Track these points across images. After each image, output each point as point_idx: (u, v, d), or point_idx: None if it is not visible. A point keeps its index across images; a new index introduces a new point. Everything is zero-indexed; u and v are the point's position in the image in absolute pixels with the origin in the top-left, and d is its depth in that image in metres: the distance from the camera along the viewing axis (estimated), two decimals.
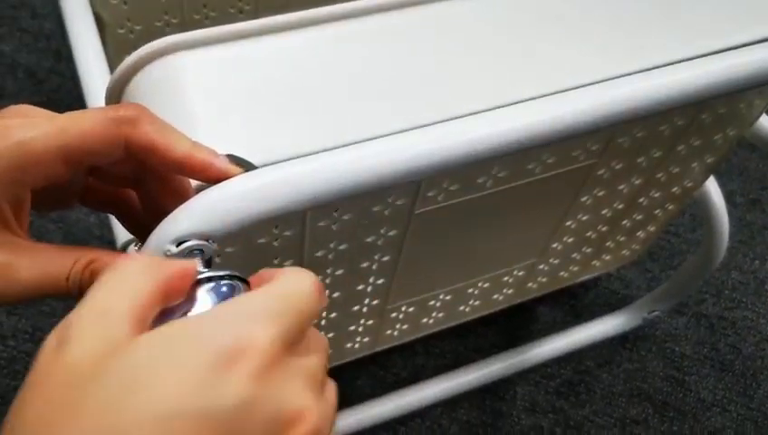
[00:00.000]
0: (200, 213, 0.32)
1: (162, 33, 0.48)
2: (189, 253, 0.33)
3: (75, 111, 0.31)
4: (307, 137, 0.40)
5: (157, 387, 0.23)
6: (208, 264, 0.35)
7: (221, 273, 0.31)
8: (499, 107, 0.43)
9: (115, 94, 0.44)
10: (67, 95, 1.07)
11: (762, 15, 0.51)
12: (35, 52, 1.11)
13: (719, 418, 0.91)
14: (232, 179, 0.33)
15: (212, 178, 0.33)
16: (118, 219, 0.38)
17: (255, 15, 0.84)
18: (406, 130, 0.38)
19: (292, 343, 0.27)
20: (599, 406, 0.90)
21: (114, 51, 0.76)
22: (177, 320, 0.26)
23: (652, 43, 0.50)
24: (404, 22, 0.48)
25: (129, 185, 0.36)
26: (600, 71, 0.47)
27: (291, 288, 0.28)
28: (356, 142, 0.38)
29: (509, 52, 0.47)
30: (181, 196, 0.34)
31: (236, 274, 0.32)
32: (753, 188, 1.12)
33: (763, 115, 0.69)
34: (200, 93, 0.42)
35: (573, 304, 0.97)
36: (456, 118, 0.41)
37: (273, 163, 0.36)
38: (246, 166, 0.34)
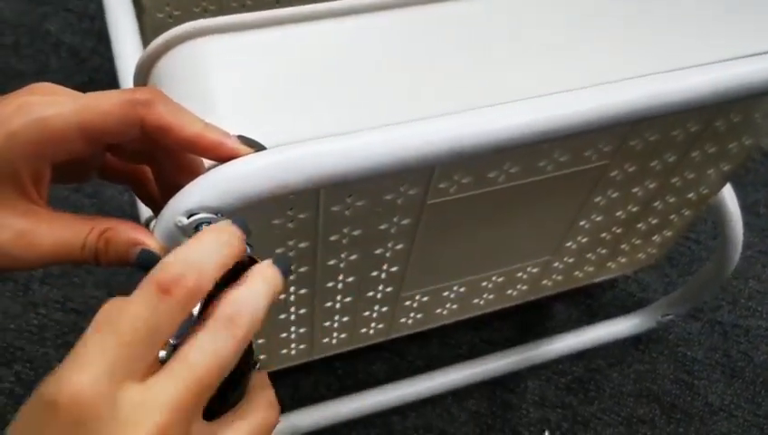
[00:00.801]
0: (210, 188, 0.35)
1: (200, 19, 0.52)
2: (199, 225, 0.35)
3: (95, 92, 0.33)
4: (324, 123, 0.43)
5: None
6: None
7: None
8: (513, 101, 0.45)
9: (142, 74, 0.47)
10: (107, 75, 1.11)
11: None
12: (79, 32, 1.16)
13: (725, 423, 0.92)
14: (241, 158, 0.35)
15: (223, 156, 0.36)
16: (135, 193, 0.41)
17: (291, 3, 0.87)
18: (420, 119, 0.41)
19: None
20: (607, 404, 0.91)
21: (152, 35, 0.79)
22: None
23: (665, 45, 0.51)
24: (426, 16, 0.50)
25: (145, 161, 0.39)
26: (616, 70, 0.49)
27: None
28: (368, 128, 0.40)
29: (528, 48, 0.49)
30: (193, 173, 0.37)
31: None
32: None
33: None
34: (223, 77, 0.45)
35: (590, 303, 0.99)
36: (470, 109, 0.44)
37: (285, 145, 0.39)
38: (256, 146, 0.37)
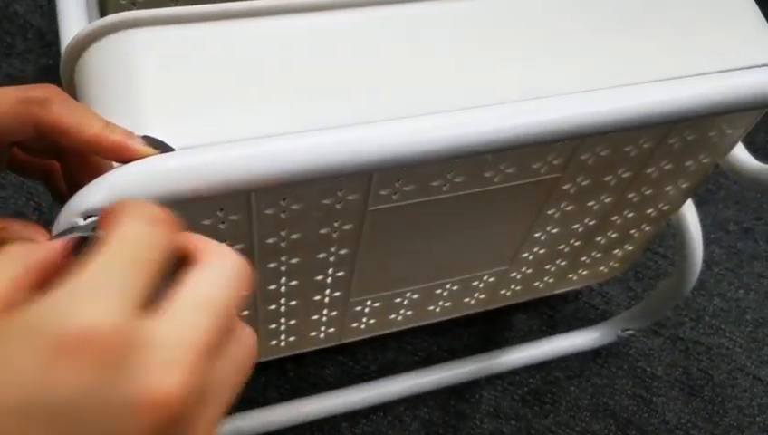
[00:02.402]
0: (107, 190, 0.33)
1: (165, 6, 0.50)
2: (96, 227, 0.34)
3: None
4: (251, 125, 0.42)
5: None
6: None
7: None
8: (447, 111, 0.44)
9: (70, 64, 0.45)
10: None
11: (732, 45, 0.51)
12: (48, 14, 1.14)
13: None
14: (142, 160, 0.34)
15: (125, 158, 0.34)
16: (47, 187, 0.40)
17: None
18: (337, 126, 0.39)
19: (150, 301, 0.24)
20: (562, 418, 0.90)
21: None
22: (19, 310, 0.23)
23: (625, 58, 0.50)
24: (368, 17, 0.48)
25: (53, 157, 0.37)
26: (567, 83, 0.48)
27: (131, 237, 0.25)
28: (288, 133, 0.39)
29: (480, 55, 0.48)
30: (99, 172, 0.35)
31: None
32: (748, 218, 1.11)
33: (739, 145, 0.68)
34: (152, 71, 0.43)
35: (551, 314, 0.98)
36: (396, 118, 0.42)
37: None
38: (162, 148, 0.35)
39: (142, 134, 0.36)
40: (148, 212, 0.26)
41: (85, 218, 0.34)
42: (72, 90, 0.47)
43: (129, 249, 0.25)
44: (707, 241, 1.07)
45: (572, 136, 0.44)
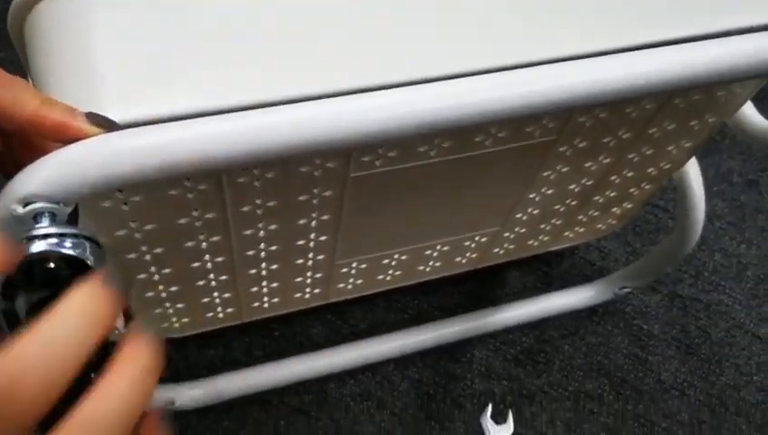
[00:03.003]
0: (46, 174, 0.30)
1: None
2: (37, 215, 0.31)
3: None
4: (206, 94, 0.38)
5: None
6: (74, 219, 0.33)
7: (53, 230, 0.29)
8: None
9: (17, 23, 0.41)
10: None
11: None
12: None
13: (676, 401, 0.89)
14: (83, 141, 0.30)
15: (66, 138, 0.31)
16: None
17: None
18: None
19: None
20: (555, 378, 0.88)
21: None
22: None
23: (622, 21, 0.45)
24: None
25: None
26: (566, 47, 0.43)
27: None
28: (249, 107, 0.35)
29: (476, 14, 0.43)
30: (41, 152, 0.32)
31: (77, 232, 0.30)
32: (753, 169, 1.07)
33: (748, 103, 0.64)
34: (105, 32, 0.39)
35: (546, 271, 0.95)
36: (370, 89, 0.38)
37: (149, 122, 0.34)
38: (108, 126, 0.32)
39: (86, 111, 0.32)
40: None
41: (24, 206, 0.31)
42: (22, 46, 0.43)
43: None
44: (709, 194, 1.03)
45: (576, 106, 0.40)
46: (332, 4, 0.42)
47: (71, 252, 0.29)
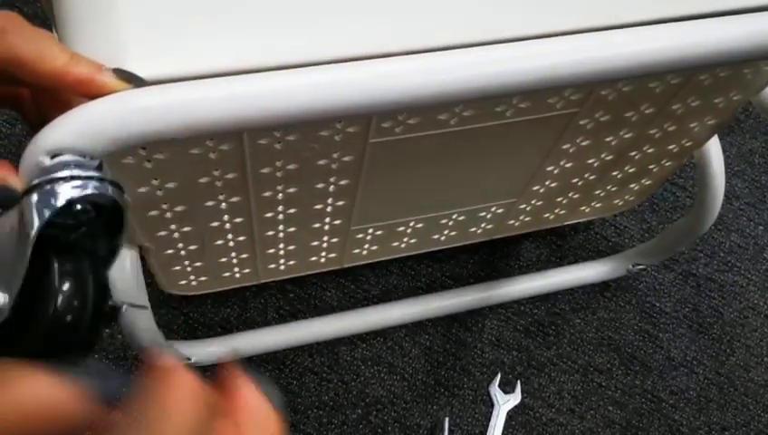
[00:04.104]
0: (73, 128, 0.30)
1: None
2: (64, 166, 0.31)
3: None
4: (232, 55, 0.38)
5: None
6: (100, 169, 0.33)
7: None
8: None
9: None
10: None
11: None
12: None
13: (684, 378, 0.89)
14: (111, 96, 0.31)
15: (92, 93, 0.31)
16: (19, 116, 0.37)
17: None
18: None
19: None
20: (564, 350, 0.89)
21: None
22: None
23: None
24: None
25: (22, 85, 0.34)
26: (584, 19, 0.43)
27: None
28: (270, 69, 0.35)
29: None
30: (67, 107, 0.32)
31: (102, 176, 0.30)
32: None
33: None
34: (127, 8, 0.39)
35: (560, 244, 0.95)
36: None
37: (174, 80, 0.34)
38: (135, 81, 0.32)
39: (113, 67, 0.33)
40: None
41: (51, 157, 0.31)
42: (49, 4, 0.43)
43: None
44: (730, 174, 1.03)
45: (597, 79, 0.40)
46: None
47: (95, 191, 0.30)
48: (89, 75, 0.31)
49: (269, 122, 0.32)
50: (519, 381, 0.86)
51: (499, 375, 0.85)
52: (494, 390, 0.85)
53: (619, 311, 0.92)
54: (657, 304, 0.93)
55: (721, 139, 0.99)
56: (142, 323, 0.64)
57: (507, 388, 0.85)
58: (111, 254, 0.31)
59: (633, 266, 0.90)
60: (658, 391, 0.88)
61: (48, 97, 0.33)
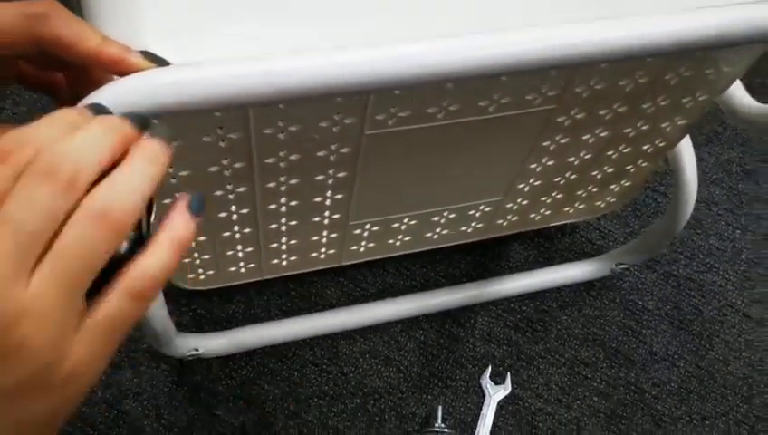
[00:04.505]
0: (105, 101, 0.35)
1: None
2: None
3: None
4: (239, 44, 0.44)
5: None
6: None
7: None
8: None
9: None
10: None
11: None
12: None
13: (666, 371, 0.94)
14: (137, 73, 0.36)
15: (123, 71, 0.36)
16: (53, 100, 0.42)
17: None
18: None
19: None
20: (552, 345, 0.93)
21: None
22: None
23: None
24: None
25: (58, 70, 0.39)
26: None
27: None
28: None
29: None
30: (97, 85, 0.37)
31: None
32: (752, 160, 1.12)
33: (737, 84, 0.69)
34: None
35: (548, 246, 1.00)
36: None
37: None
38: (160, 62, 0.37)
39: (140, 50, 0.38)
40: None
41: None
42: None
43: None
44: (708, 181, 1.08)
45: (571, 64, 0.45)
46: None
47: None
48: (120, 54, 0.36)
49: (273, 97, 0.37)
50: (509, 374, 0.90)
51: (490, 368, 0.90)
52: (486, 381, 0.89)
53: (603, 308, 0.97)
54: (640, 302, 0.98)
55: (700, 149, 1.06)
56: (155, 311, 0.69)
57: (498, 379, 0.90)
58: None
59: (617, 266, 0.95)
60: (641, 383, 0.93)
61: (83, 77, 0.39)
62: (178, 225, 0.34)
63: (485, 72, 0.42)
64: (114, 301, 0.30)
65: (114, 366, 0.84)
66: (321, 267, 0.84)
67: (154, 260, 0.32)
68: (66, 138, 0.30)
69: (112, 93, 0.36)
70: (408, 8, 0.52)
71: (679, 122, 0.73)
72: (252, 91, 0.37)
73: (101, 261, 0.30)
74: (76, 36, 0.35)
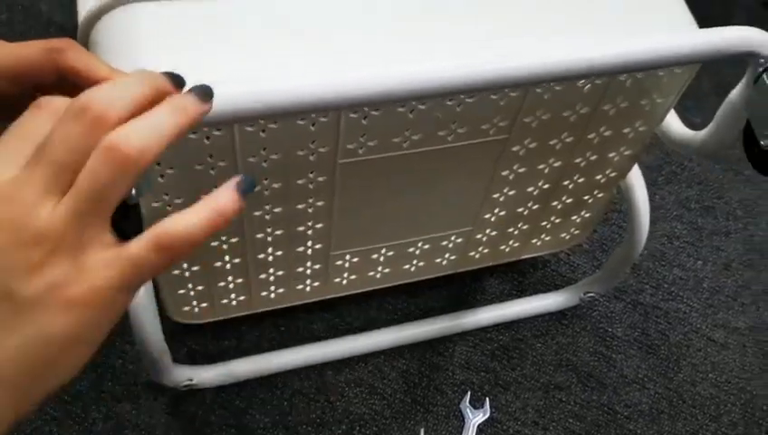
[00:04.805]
0: None
1: None
2: None
3: (19, 42, 0.42)
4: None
5: None
6: None
7: None
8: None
9: (84, 35, 0.55)
10: None
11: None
12: (68, 11, 1.25)
13: (637, 393, 0.99)
14: None
15: None
16: None
17: None
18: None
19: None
20: (528, 371, 0.99)
21: None
22: None
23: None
24: None
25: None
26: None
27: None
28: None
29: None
30: None
31: None
32: (709, 197, 1.20)
33: (672, 114, 0.77)
34: (147, 40, 0.53)
35: (521, 280, 1.07)
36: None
37: None
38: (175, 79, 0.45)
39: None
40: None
41: None
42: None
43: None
44: (670, 217, 1.16)
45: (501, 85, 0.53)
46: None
47: None
48: None
49: (254, 113, 0.45)
50: (487, 399, 0.96)
51: (469, 393, 0.96)
52: (465, 406, 0.95)
53: (575, 336, 1.03)
54: (610, 329, 1.04)
55: (661, 188, 1.14)
56: (151, 335, 0.75)
57: (477, 404, 0.95)
58: None
59: (585, 295, 1.02)
60: (614, 405, 0.98)
61: None
62: (224, 195, 0.36)
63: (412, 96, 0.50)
64: (141, 245, 0.34)
65: (115, 399, 0.90)
66: (307, 300, 0.91)
67: (189, 217, 0.34)
68: (103, 85, 0.35)
69: None
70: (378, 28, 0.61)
71: (625, 152, 0.81)
72: (232, 109, 0.45)
73: (114, 193, 0.33)
74: (89, 66, 0.42)
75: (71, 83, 0.43)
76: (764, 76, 0.59)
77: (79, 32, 0.56)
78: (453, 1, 0.62)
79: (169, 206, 0.64)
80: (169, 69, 0.39)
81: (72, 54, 0.42)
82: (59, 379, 0.34)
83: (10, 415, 0.32)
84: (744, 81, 0.62)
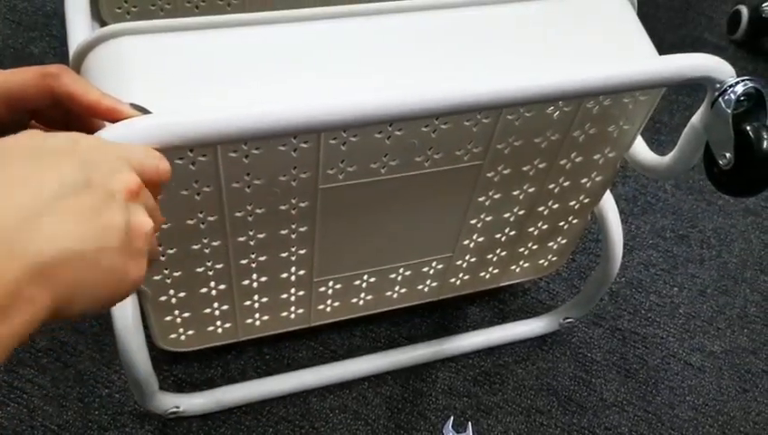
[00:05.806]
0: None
1: (156, 17, 0.61)
2: None
3: (14, 69, 0.44)
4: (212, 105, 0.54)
5: None
6: None
7: None
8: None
9: (76, 66, 0.58)
10: None
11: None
12: (60, 54, 1.28)
13: (617, 416, 1.01)
14: (126, 120, 0.46)
15: (116, 118, 0.46)
16: None
17: (242, 9, 0.98)
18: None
19: None
20: (509, 395, 1.01)
21: None
22: None
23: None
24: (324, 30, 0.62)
25: (63, 127, 0.50)
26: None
27: None
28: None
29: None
30: (94, 130, 0.48)
31: None
32: (684, 226, 1.23)
33: (639, 140, 0.81)
34: (137, 70, 0.56)
35: (502, 308, 1.09)
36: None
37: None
38: (144, 111, 0.48)
39: (129, 102, 0.49)
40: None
41: None
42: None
43: None
44: (646, 246, 1.19)
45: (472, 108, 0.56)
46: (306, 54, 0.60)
47: None
48: (115, 105, 0.47)
49: (232, 137, 0.48)
50: (470, 423, 0.97)
51: (452, 418, 0.97)
52: (448, 431, 0.96)
53: (555, 361, 1.05)
54: (589, 354, 1.07)
55: (637, 218, 1.17)
56: (138, 357, 0.76)
57: (460, 429, 0.97)
58: None
59: (564, 320, 1.04)
60: (594, 428, 1.00)
61: (81, 125, 0.49)
62: None
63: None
64: None
65: (101, 428, 0.91)
66: (292, 328, 0.92)
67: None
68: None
69: (109, 135, 0.46)
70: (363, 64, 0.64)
71: (597, 178, 0.84)
72: (209, 131, 0.48)
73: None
74: (81, 91, 0.45)
75: (64, 108, 0.46)
76: (720, 100, 0.63)
77: (71, 62, 0.59)
78: (416, 37, 0.66)
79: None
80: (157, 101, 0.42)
81: (65, 80, 0.45)
82: (96, 296, 0.35)
83: (46, 299, 0.32)
84: (703, 105, 0.66)
